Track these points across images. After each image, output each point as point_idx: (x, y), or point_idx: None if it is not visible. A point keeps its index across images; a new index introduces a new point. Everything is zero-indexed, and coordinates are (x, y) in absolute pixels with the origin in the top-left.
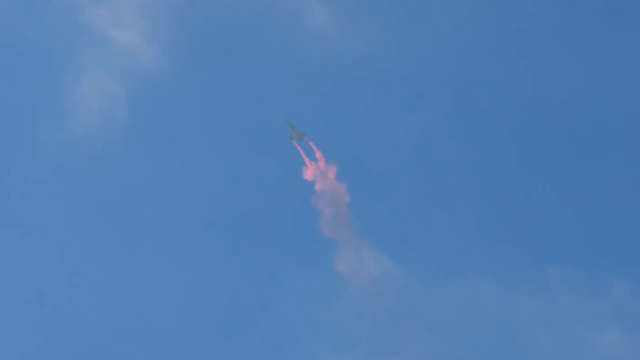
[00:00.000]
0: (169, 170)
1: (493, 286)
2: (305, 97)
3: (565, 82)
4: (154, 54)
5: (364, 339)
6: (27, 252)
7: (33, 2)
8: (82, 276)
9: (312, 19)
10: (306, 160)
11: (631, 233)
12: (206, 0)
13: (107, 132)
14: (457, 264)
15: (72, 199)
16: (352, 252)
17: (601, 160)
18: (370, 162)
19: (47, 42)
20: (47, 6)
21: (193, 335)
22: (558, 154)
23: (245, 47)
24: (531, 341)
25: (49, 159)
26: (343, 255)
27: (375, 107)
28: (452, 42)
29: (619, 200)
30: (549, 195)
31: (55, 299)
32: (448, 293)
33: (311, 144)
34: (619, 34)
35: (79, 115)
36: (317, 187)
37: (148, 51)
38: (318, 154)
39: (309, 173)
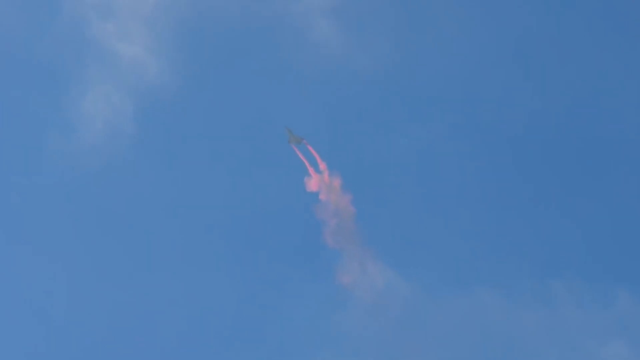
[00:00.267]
0: (175, 183)
1: (498, 298)
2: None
3: (570, 95)
4: (160, 67)
5: (369, 351)
6: (35, 263)
7: (40, 17)
8: (89, 287)
9: (317, 33)
10: (310, 170)
11: (635, 245)
12: (211, 15)
13: (114, 145)
14: (461, 276)
15: (78, 211)
16: (357, 264)
17: (605, 172)
18: (374, 173)
19: (54, 56)
20: (54, 21)
21: (198, 347)
22: (562, 167)
23: (250, 60)
24: (535, 353)
25: (56, 171)
26: (348, 266)
27: (379, 119)
28: (456, 55)
29: (623, 212)
30: (553, 208)
31: (61, 308)
32: (453, 305)
33: (309, 147)
34: (624, 44)
35: (85, 128)
36: (322, 197)
37: (154, 65)
38: (318, 158)
39: (313, 184)
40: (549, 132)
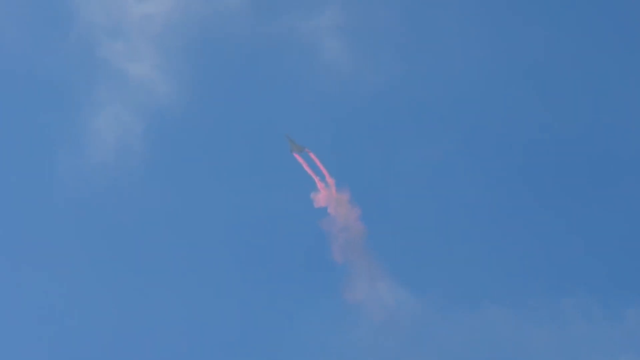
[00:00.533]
0: (183, 200)
1: (507, 315)
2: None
3: (580, 110)
4: (170, 87)
5: None
6: (45, 280)
7: (50, 37)
8: (99, 303)
9: (326, 51)
10: (318, 183)
11: None
12: (221, 34)
13: (123, 164)
14: (471, 293)
15: (89, 229)
16: (366, 281)
17: (615, 188)
18: (383, 189)
19: (64, 76)
20: (64, 41)
21: None
22: (572, 184)
23: (260, 80)
24: None
25: (66, 189)
26: (357, 284)
27: (388, 136)
28: (464, 72)
29: (632, 229)
30: (563, 224)
31: (72, 327)
32: (463, 322)
33: (311, 155)
34: (633, 59)
35: (95, 146)
36: (330, 211)
37: (163, 85)
38: (322, 167)
39: (321, 198)
40: (558, 148)
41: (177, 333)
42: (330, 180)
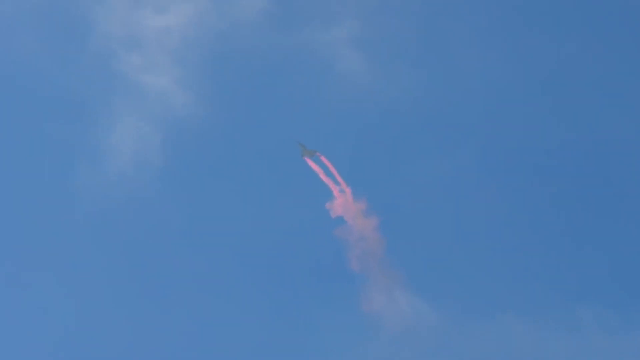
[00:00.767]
0: (201, 213)
1: (526, 326)
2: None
3: (598, 124)
4: (187, 99)
5: None
6: (63, 293)
7: (67, 50)
8: (115, 316)
9: (343, 63)
10: (335, 192)
11: None
12: (238, 47)
13: (141, 177)
14: (489, 304)
15: (107, 242)
16: (384, 292)
17: (633, 200)
18: (401, 200)
19: (82, 88)
20: (82, 53)
21: None
22: (590, 195)
23: (277, 92)
24: None
25: (84, 202)
26: (374, 294)
27: (406, 148)
28: (482, 84)
29: None
30: (581, 236)
31: (89, 340)
32: (481, 333)
33: (323, 158)
34: None
35: (113, 160)
36: (347, 220)
37: (181, 97)
38: (335, 172)
39: (337, 206)
40: (576, 161)
41: (195, 344)
42: (347, 189)
